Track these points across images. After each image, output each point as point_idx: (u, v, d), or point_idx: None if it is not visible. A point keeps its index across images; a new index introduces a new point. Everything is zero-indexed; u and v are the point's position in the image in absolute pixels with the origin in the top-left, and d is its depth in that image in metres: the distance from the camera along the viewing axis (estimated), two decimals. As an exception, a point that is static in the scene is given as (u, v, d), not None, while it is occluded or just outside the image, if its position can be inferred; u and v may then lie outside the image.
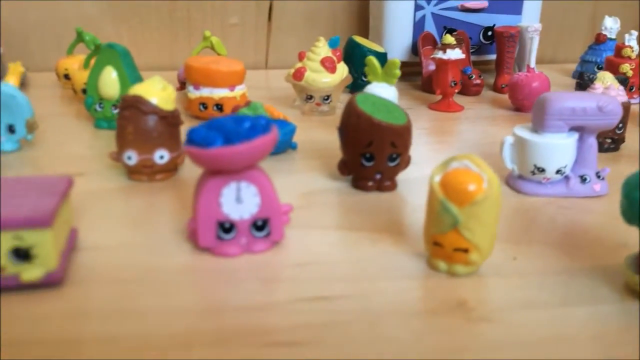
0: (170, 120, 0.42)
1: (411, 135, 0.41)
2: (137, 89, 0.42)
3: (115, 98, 0.54)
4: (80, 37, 0.68)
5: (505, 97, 0.69)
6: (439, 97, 0.65)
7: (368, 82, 0.70)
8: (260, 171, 0.33)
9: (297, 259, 0.33)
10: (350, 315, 0.27)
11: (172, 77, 0.69)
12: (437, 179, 0.30)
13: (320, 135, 0.55)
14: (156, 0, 0.80)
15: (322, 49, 0.59)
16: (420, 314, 0.28)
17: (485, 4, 0.75)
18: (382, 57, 0.69)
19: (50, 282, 0.29)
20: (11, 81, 0.49)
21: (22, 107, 0.47)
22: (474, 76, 0.70)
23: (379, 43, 0.74)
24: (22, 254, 0.28)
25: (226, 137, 0.31)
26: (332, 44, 0.60)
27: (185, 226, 0.36)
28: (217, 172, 0.32)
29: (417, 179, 0.44)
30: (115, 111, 0.55)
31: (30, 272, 0.28)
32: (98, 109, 0.55)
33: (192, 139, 0.31)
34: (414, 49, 0.76)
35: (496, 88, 0.73)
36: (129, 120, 0.41)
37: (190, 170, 0.46)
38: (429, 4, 0.74)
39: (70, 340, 0.26)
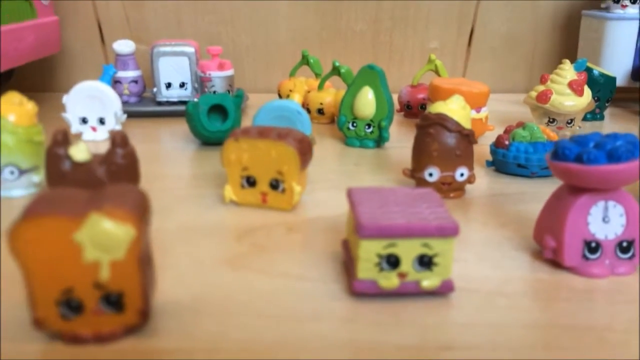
0: (470, 138, 0.43)
1: None
2: (440, 107, 0.43)
3: (369, 117, 0.56)
4: (305, 60, 0.71)
5: None
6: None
7: (601, 105, 0.68)
8: (626, 192, 0.33)
9: (672, 284, 0.32)
10: None
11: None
12: None
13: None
14: (363, 24, 0.83)
15: (568, 72, 0.58)
16: None
17: None
18: (611, 82, 0.67)
19: (445, 291, 0.30)
20: (296, 98, 0.52)
21: (305, 123, 0.50)
22: None
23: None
24: (426, 262, 0.29)
25: (609, 154, 0.30)
26: (578, 67, 0.59)
27: (523, 245, 0.36)
28: (583, 191, 0.32)
29: None
30: (369, 130, 0.56)
31: (430, 280, 0.29)
32: (351, 127, 0.57)
33: (566, 155, 0.31)
34: (635, 74, 0.73)
35: None
36: (434, 138, 0.42)
37: (473, 190, 0.46)
38: (655, 26, 0.71)
39: (456, 347, 0.26)
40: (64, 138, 0.38)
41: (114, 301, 0.25)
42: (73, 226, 0.24)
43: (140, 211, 0.25)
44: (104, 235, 0.24)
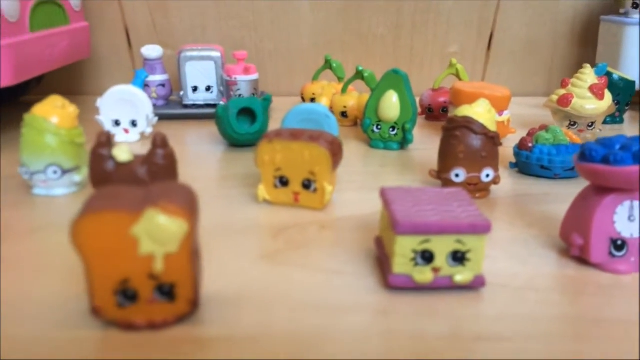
0: (495, 140, 0.44)
1: None
2: (465, 111, 0.44)
3: (394, 120, 0.57)
4: (328, 64, 0.73)
5: None
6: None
7: (620, 109, 0.69)
8: (651, 191, 0.34)
9: (696, 281, 0.33)
10: None
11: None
12: None
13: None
14: (384, 28, 0.84)
15: (589, 76, 0.59)
16: None
17: None
18: (631, 86, 0.68)
19: (476, 286, 0.31)
20: (323, 102, 0.53)
21: (332, 126, 0.51)
22: None
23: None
24: (459, 258, 0.30)
25: (634, 156, 0.32)
26: (599, 72, 0.60)
27: (550, 243, 0.37)
28: (610, 191, 0.33)
29: None
30: (393, 132, 0.58)
31: (463, 275, 0.31)
32: (375, 130, 0.59)
33: (593, 157, 0.33)
34: (654, 78, 0.74)
35: None
36: (461, 140, 0.44)
37: (497, 190, 0.47)
38: (675, 31, 0.71)
39: (488, 339, 0.28)
40: (107, 140, 0.40)
41: (166, 291, 0.27)
42: (130, 221, 0.26)
43: (191, 207, 0.27)
44: (159, 229, 0.26)
